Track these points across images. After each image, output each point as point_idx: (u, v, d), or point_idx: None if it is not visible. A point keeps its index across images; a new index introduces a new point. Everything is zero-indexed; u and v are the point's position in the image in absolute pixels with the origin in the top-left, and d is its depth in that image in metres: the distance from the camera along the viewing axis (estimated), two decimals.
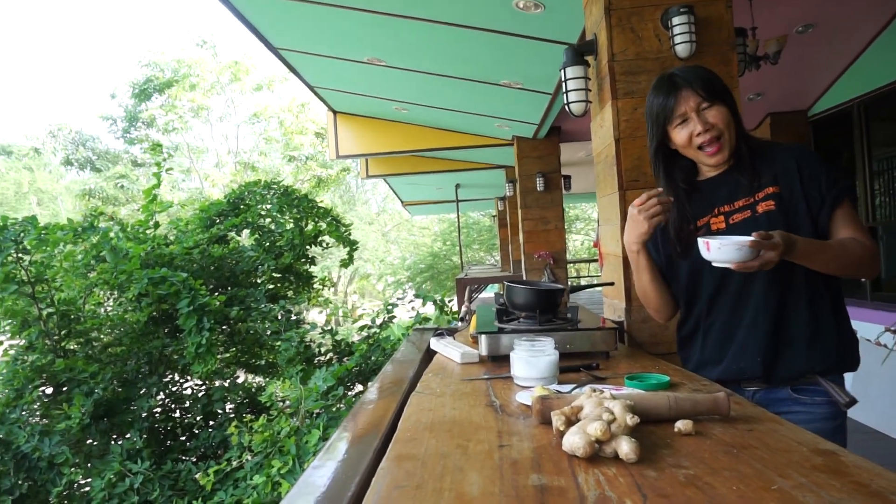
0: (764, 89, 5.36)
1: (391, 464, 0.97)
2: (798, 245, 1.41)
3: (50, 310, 4.37)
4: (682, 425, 1.04)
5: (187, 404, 4.82)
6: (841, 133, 5.57)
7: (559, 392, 1.30)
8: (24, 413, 3.93)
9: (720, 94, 1.56)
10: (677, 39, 2.24)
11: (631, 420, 0.97)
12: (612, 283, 2.15)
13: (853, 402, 1.50)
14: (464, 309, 7.46)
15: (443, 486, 0.86)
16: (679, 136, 1.59)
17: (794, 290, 1.54)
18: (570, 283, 11.27)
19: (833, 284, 1.57)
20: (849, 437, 1.60)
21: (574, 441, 0.94)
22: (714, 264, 1.45)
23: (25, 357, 4.14)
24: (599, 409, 1.00)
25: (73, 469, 3.75)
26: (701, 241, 1.44)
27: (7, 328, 4.40)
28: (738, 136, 1.59)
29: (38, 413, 4.09)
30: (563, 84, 2.60)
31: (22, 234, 4.12)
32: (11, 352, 4.32)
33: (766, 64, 4.07)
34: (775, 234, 1.37)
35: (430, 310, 4.84)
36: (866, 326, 4.65)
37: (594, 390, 1.11)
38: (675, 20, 2.24)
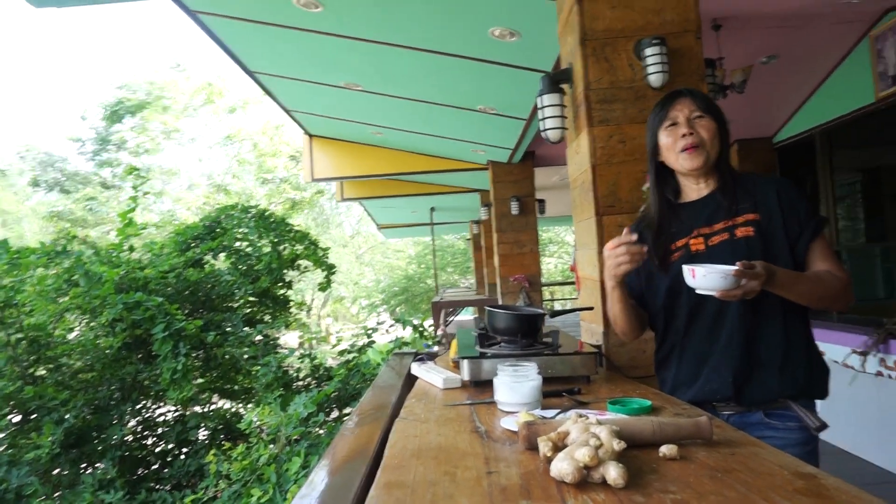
0: (731, 117, 5.44)
1: (380, 492, 0.97)
2: (777, 276, 1.45)
3: (19, 335, 4.25)
4: (666, 450, 1.06)
5: (160, 432, 4.71)
6: (805, 160, 5.75)
7: (544, 417, 1.31)
8: None
9: (714, 113, 1.65)
10: (650, 69, 2.31)
11: (618, 445, 0.98)
12: (591, 308, 2.18)
13: (824, 426, 1.53)
14: (440, 332, 7.45)
15: None
16: (665, 138, 1.67)
17: (768, 314, 1.58)
18: (544, 305, 11.33)
19: (803, 312, 1.62)
20: (820, 463, 1.63)
21: (562, 467, 0.95)
22: (697, 291, 1.49)
23: None
24: (586, 434, 1.02)
25: (42, 500, 3.62)
26: (686, 269, 1.48)
27: None
28: (720, 158, 1.66)
29: (5, 442, 3.95)
30: (540, 111, 2.65)
31: None
32: None
33: (733, 93, 4.20)
34: (757, 264, 1.42)
35: (406, 333, 4.83)
36: (833, 348, 4.77)
37: (580, 415, 1.13)
38: (648, 51, 2.31)
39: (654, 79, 2.30)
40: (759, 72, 4.58)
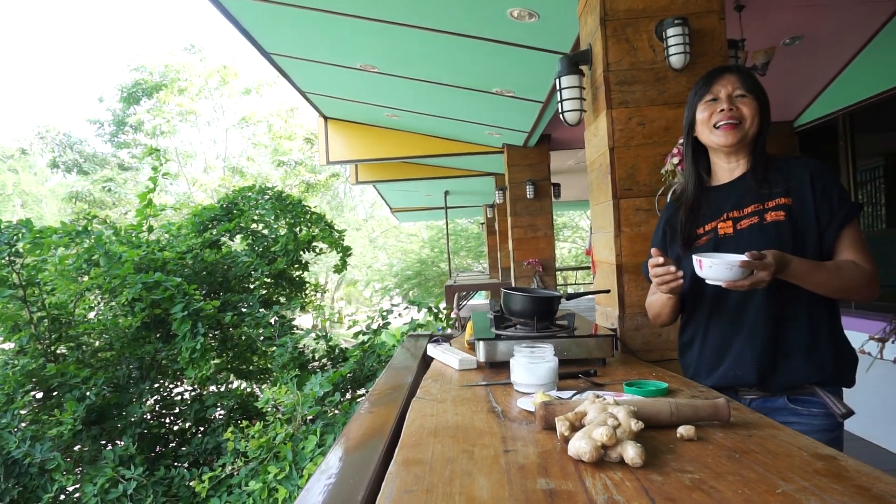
0: None
1: (399, 468, 0.98)
2: (792, 265, 1.43)
3: (41, 314, 4.33)
4: (684, 431, 1.06)
5: (177, 410, 4.79)
6: (826, 144, 5.66)
7: (560, 398, 1.31)
8: (13, 418, 3.89)
9: (758, 93, 1.60)
10: (672, 50, 2.28)
11: (636, 425, 0.99)
12: (608, 291, 2.18)
13: (850, 413, 1.51)
14: (453, 315, 7.47)
15: (452, 490, 0.88)
16: (702, 112, 1.63)
17: (793, 300, 1.54)
18: (557, 290, 11.31)
19: (831, 299, 1.58)
20: (843, 446, 1.62)
21: (580, 446, 0.96)
22: (707, 282, 1.48)
23: (16, 361, 4.10)
24: (604, 414, 1.02)
25: (64, 475, 3.71)
26: (694, 259, 1.47)
27: (0, 332, 4.35)
28: (757, 139, 1.62)
29: (27, 418, 4.05)
30: (558, 93, 2.63)
31: (16, 237, 4.10)
32: (2, 357, 4.28)
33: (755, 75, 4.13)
34: (768, 253, 1.40)
35: (419, 316, 4.85)
36: (851, 335, 4.68)
37: (597, 396, 1.13)
38: (670, 31, 2.28)
39: (676, 60, 2.27)
40: (782, 53, 4.50)
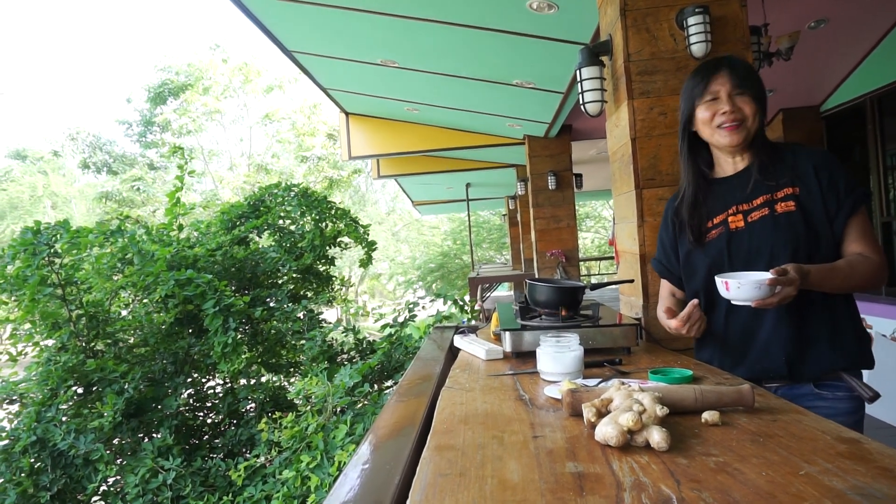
0: (776, 85, 5.37)
1: (433, 454, 1.02)
2: (811, 275, 1.45)
3: (79, 311, 4.48)
4: (708, 416, 1.09)
5: (211, 404, 4.92)
6: (854, 128, 5.56)
7: (586, 386, 1.35)
8: (57, 412, 4.05)
9: (754, 88, 1.60)
10: (693, 39, 2.28)
11: (661, 411, 1.01)
12: (631, 281, 2.19)
13: (877, 395, 1.53)
14: (477, 307, 7.50)
15: (485, 473, 0.91)
16: (703, 112, 1.63)
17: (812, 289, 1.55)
18: (581, 280, 11.26)
19: None
20: (864, 433, 1.63)
21: (607, 431, 0.99)
22: (733, 302, 1.49)
23: (58, 358, 4.25)
24: (629, 400, 1.05)
25: (106, 466, 3.86)
26: (719, 281, 1.48)
27: (41, 329, 4.51)
28: (758, 133, 1.62)
29: (69, 412, 4.20)
30: (579, 84, 2.63)
31: (54, 238, 4.25)
32: (45, 354, 4.44)
33: (779, 60, 4.08)
34: (790, 268, 1.41)
35: (444, 308, 4.90)
36: (881, 322, 4.66)
37: (622, 383, 1.16)
38: (691, 20, 2.27)
39: (697, 49, 2.27)
40: (807, 37, 4.43)
